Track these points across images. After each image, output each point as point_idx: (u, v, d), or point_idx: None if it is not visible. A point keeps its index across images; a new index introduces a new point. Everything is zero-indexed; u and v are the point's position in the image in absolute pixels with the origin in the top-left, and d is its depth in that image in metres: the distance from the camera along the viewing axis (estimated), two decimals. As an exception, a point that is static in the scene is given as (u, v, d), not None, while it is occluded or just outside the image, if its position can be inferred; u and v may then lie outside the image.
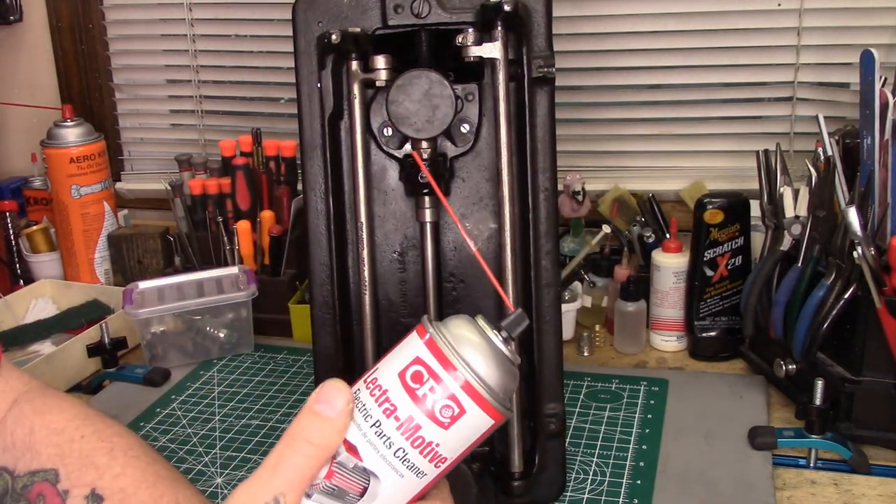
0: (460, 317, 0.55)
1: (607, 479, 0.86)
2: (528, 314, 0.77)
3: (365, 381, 0.53)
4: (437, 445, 0.51)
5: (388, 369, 0.53)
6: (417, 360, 0.52)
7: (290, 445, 0.51)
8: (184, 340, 1.15)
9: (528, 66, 0.74)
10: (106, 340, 1.11)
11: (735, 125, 1.34)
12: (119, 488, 0.69)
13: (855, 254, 0.86)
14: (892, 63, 1.18)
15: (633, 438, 0.93)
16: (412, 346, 0.53)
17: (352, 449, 0.51)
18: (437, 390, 0.51)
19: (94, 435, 0.68)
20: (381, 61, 0.74)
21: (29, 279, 1.40)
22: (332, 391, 0.51)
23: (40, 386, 0.69)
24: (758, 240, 1.06)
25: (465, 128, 0.78)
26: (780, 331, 0.98)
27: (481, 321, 0.54)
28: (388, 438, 0.51)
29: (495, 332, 0.54)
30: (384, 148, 0.79)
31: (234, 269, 1.21)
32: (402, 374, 0.52)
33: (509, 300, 0.59)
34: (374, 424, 0.51)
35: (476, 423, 0.52)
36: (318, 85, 0.76)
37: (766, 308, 1.01)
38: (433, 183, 0.72)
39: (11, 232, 1.42)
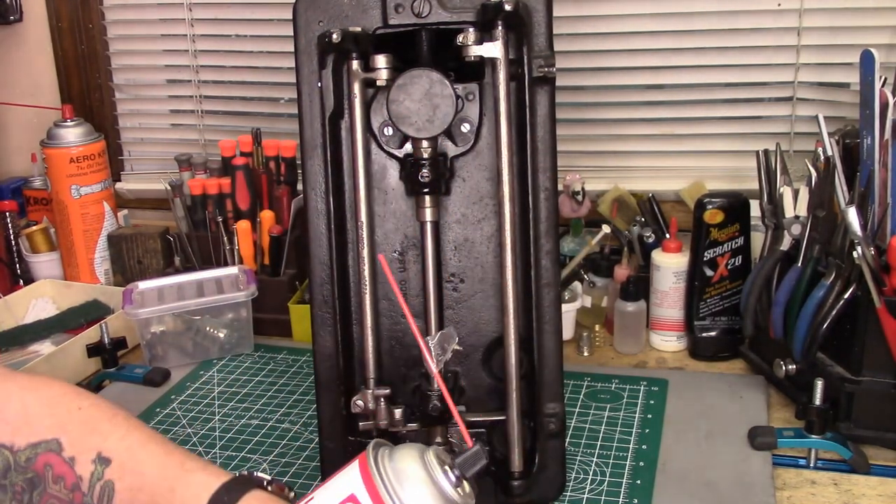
0: (410, 447, 0.50)
1: (607, 478, 0.86)
2: (528, 314, 0.77)
3: None
4: None
5: (323, 500, 0.48)
6: (352, 498, 0.47)
7: None
8: (184, 340, 1.15)
9: (528, 66, 0.74)
10: (106, 340, 1.11)
11: (735, 125, 1.34)
12: (125, 448, 0.70)
13: (855, 254, 0.86)
14: (892, 63, 1.18)
15: (632, 438, 0.93)
16: (350, 478, 0.48)
17: None
18: None
19: (91, 407, 0.68)
20: (381, 60, 0.74)
21: (29, 279, 1.40)
22: None
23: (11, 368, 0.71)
24: (758, 240, 1.06)
25: (465, 127, 0.78)
26: (780, 331, 0.98)
27: (432, 455, 0.49)
28: None
29: (446, 469, 0.49)
30: (384, 147, 0.79)
31: (233, 269, 1.21)
32: None
33: (468, 433, 0.53)
34: None
35: None
36: (319, 84, 0.76)
37: (766, 308, 1.01)
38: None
39: (11, 232, 1.42)
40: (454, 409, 0.55)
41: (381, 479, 0.47)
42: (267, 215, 1.26)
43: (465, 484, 0.49)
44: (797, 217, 0.98)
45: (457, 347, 0.72)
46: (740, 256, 1.09)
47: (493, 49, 0.71)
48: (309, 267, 0.79)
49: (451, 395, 0.79)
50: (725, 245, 1.08)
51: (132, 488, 0.68)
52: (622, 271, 1.18)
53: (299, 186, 1.28)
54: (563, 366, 0.79)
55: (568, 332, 1.16)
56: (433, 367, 0.63)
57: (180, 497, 0.68)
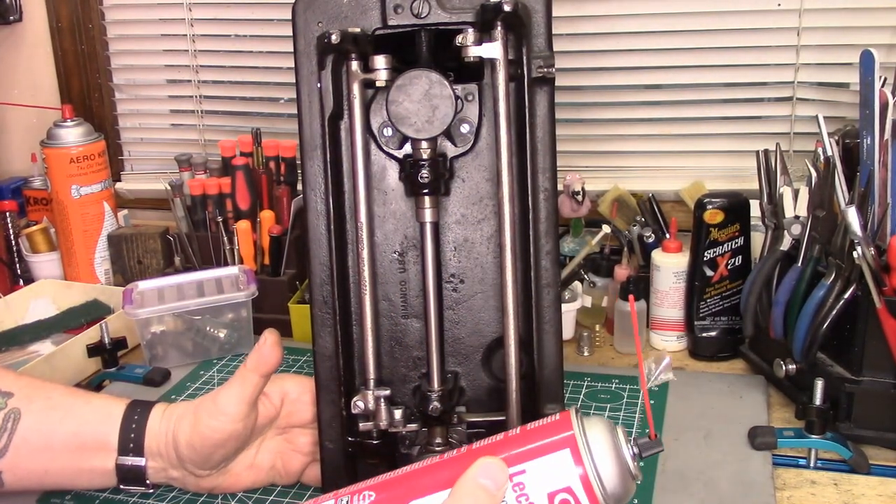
0: (603, 423, 0.60)
1: (607, 479, 0.86)
2: (528, 315, 0.77)
3: (509, 476, 0.58)
4: None
5: (536, 482, 0.58)
6: (568, 490, 0.57)
7: None
8: (184, 340, 1.15)
9: (527, 66, 0.74)
10: (106, 340, 1.11)
11: (735, 125, 1.34)
12: (25, 384, 0.82)
13: (855, 254, 0.86)
14: (892, 63, 1.18)
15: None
16: (564, 470, 0.57)
17: None
18: None
19: None
20: (380, 61, 0.74)
21: (29, 279, 1.40)
22: (495, 468, 0.58)
23: None
24: (758, 240, 1.06)
25: (464, 128, 0.78)
26: (780, 331, 0.98)
27: (621, 435, 0.60)
28: None
29: (630, 444, 0.60)
30: (384, 148, 0.79)
31: (234, 269, 1.21)
32: (551, 497, 0.57)
33: (652, 427, 0.65)
34: None
35: None
36: (318, 85, 0.76)
37: (766, 308, 1.01)
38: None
39: (11, 232, 1.42)
40: (647, 400, 0.66)
41: (593, 473, 0.57)
42: (267, 215, 1.26)
43: (638, 462, 0.60)
44: (797, 217, 0.98)
45: None
46: (740, 256, 1.09)
47: (493, 50, 0.71)
48: (309, 267, 0.79)
49: (451, 395, 0.80)
50: (725, 245, 1.08)
51: (44, 408, 0.81)
52: (622, 271, 1.18)
53: (299, 186, 1.29)
54: (564, 366, 0.79)
55: (568, 332, 1.16)
56: None
57: (96, 407, 0.78)
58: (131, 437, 0.79)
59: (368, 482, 0.64)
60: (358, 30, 0.75)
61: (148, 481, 0.81)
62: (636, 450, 0.60)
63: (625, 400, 1.00)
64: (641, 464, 0.62)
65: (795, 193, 0.98)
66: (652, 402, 1.00)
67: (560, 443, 0.58)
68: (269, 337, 0.79)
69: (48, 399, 0.80)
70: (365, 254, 0.76)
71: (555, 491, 0.56)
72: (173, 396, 1.06)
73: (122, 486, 0.82)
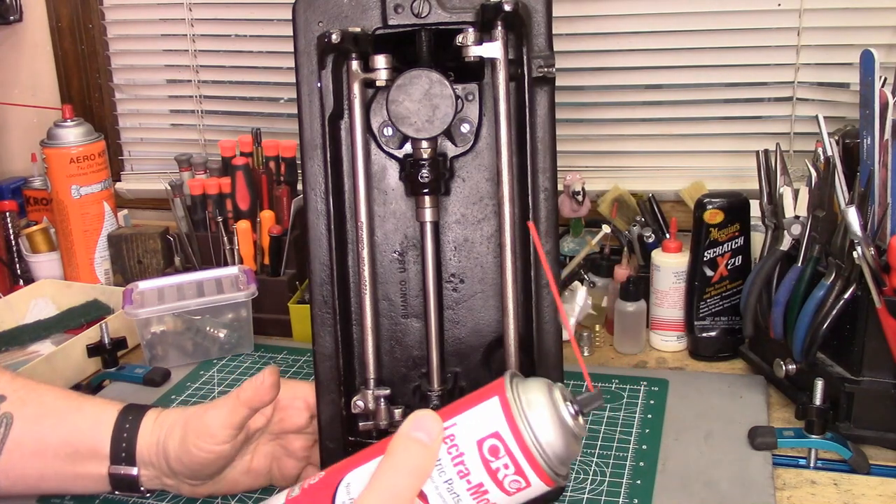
0: (538, 381, 0.59)
1: (607, 479, 0.86)
2: (528, 314, 0.77)
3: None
4: None
5: (465, 432, 0.57)
6: (496, 436, 0.56)
7: (389, 469, 0.55)
8: (184, 340, 1.15)
9: (528, 66, 0.74)
10: (106, 340, 1.11)
11: (735, 125, 1.34)
12: (19, 386, 0.81)
13: (855, 254, 0.86)
14: (892, 63, 1.18)
15: (632, 438, 0.93)
16: (492, 417, 0.56)
17: (423, 497, 0.55)
18: (511, 467, 0.55)
19: None
20: (381, 61, 0.74)
21: (29, 279, 1.40)
22: (428, 421, 0.56)
23: None
24: (758, 240, 1.06)
25: (465, 127, 0.78)
26: (780, 331, 0.98)
27: (557, 391, 0.58)
28: (458, 496, 0.55)
29: (568, 404, 0.58)
30: (384, 148, 0.79)
31: (233, 269, 1.21)
32: (480, 444, 0.56)
33: (590, 380, 0.62)
34: (447, 480, 0.55)
35: (535, 492, 0.57)
36: (318, 85, 0.76)
37: (765, 308, 1.01)
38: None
39: (11, 232, 1.42)
40: (580, 357, 0.63)
41: (522, 420, 0.56)
42: (267, 215, 1.26)
43: (580, 419, 0.59)
44: (797, 217, 0.98)
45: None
46: (740, 256, 1.09)
47: (493, 49, 0.71)
48: (309, 267, 0.79)
49: (451, 395, 0.80)
50: (725, 245, 1.08)
51: (36, 415, 0.80)
52: (622, 271, 1.18)
53: (299, 186, 1.29)
54: (563, 366, 0.79)
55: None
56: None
57: (89, 413, 0.78)
58: (123, 447, 0.79)
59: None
60: (358, 29, 0.75)
61: (142, 488, 0.81)
62: (576, 407, 0.59)
63: (625, 400, 1.00)
64: (584, 419, 0.61)
65: (795, 193, 0.98)
66: (652, 401, 1.00)
67: (489, 395, 0.58)
68: (269, 378, 0.77)
69: (41, 404, 0.79)
70: (365, 253, 0.76)
71: (483, 437, 0.56)
72: (173, 396, 1.06)
73: (116, 493, 0.81)
